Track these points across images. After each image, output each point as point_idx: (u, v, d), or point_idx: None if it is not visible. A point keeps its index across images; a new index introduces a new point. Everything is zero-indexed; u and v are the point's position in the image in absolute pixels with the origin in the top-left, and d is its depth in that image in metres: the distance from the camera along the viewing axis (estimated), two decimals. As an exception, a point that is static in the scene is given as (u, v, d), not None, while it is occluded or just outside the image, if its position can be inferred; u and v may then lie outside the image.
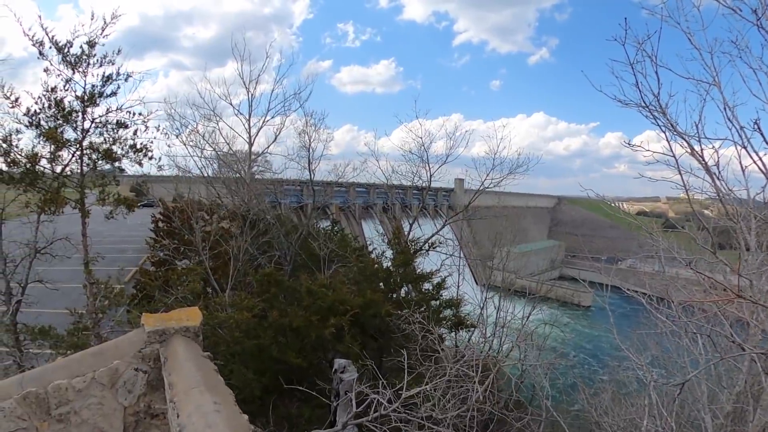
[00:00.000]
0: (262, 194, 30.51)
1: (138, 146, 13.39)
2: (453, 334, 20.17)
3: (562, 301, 64.91)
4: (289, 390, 12.78)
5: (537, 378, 15.91)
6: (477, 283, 34.39)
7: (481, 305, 21.37)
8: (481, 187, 29.25)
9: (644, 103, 7.56)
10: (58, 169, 12.84)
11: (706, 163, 7.69)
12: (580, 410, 13.76)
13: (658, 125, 7.83)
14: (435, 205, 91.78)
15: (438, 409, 10.15)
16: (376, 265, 21.69)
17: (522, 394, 17.46)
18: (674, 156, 7.71)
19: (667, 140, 7.73)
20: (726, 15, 7.74)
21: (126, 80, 13.16)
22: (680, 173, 7.54)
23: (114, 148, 13.15)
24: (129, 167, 13.85)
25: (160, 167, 15.13)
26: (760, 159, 6.91)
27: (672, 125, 7.77)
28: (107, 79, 12.97)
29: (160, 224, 23.12)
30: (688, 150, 7.71)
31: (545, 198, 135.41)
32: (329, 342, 15.06)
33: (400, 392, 9.63)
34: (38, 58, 12.23)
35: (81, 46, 12.57)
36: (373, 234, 38.49)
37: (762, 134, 6.25)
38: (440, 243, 26.16)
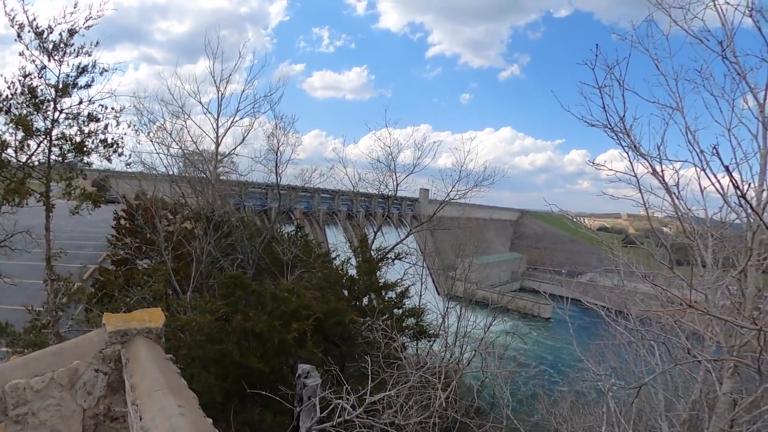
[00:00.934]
0: (227, 196, 30.13)
1: (109, 141, 13.13)
2: (415, 342, 20.23)
3: (523, 313, 65.82)
4: (251, 395, 12.64)
5: (498, 387, 16.06)
6: (439, 293, 34.58)
7: (443, 315, 21.44)
8: (447, 198, 29.36)
9: (609, 124, 7.77)
10: (24, 158, 12.50)
11: (666, 183, 7.95)
12: (540, 420, 13.93)
13: (622, 146, 8.05)
14: (399, 214, 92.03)
15: (401, 415, 10.17)
16: (341, 272, 21.65)
17: (483, 401, 17.60)
18: (635, 175, 7.91)
19: (629, 160, 7.94)
20: (693, 44, 8.10)
21: (101, 74, 12.92)
22: (641, 192, 7.77)
23: (85, 141, 12.88)
24: (97, 162, 13.57)
25: (128, 164, 14.83)
26: (718, 181, 7.16)
27: (635, 146, 8.00)
28: (82, 71, 12.71)
29: (123, 222, 22.60)
30: (650, 170, 7.95)
31: (509, 211, 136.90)
32: (292, 347, 14.93)
33: (363, 398, 9.61)
34: (15, 40, 11.94)
35: (60, 34, 12.32)
36: (336, 240, 38.40)
37: (720, 158, 6.41)
38: (406, 254, 26.19)
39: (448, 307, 21.85)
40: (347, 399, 9.48)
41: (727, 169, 6.18)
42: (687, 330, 8.90)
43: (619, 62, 7.70)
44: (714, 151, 6.71)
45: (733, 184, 5.86)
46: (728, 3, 7.66)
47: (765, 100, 7.39)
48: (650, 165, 7.94)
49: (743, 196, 5.85)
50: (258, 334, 14.64)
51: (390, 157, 29.46)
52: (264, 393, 11.18)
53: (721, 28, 7.80)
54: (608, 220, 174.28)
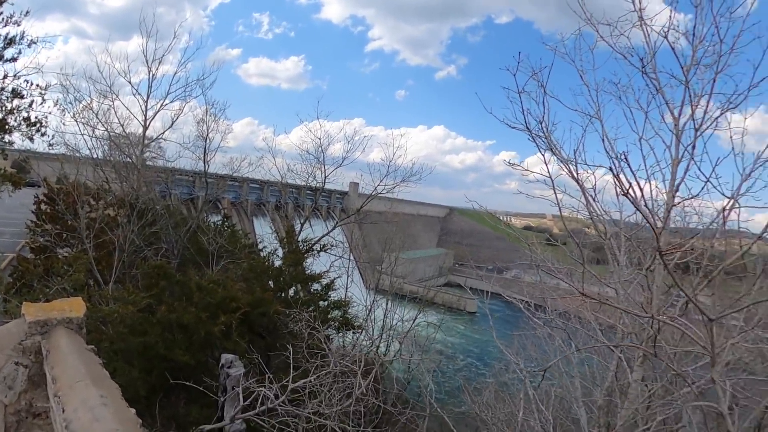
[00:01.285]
0: (153, 182, 29.33)
1: (33, 119, 12.47)
2: (341, 334, 20.39)
3: (449, 307, 66.82)
4: (176, 389, 12.49)
5: (422, 377, 16.43)
6: (367, 287, 34.75)
7: (369, 307, 21.68)
8: (374, 192, 29.74)
9: (528, 127, 8.06)
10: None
11: (582, 186, 8.39)
12: (468, 409, 14.29)
13: (539, 148, 8.45)
14: (328, 207, 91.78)
15: (324, 403, 10.29)
16: (267, 263, 21.57)
17: (411, 393, 17.95)
18: (550, 176, 8.26)
19: (545, 162, 8.29)
20: (618, 59, 8.65)
21: (29, 46, 12.27)
22: (555, 193, 8.09)
23: (8, 118, 12.18)
24: (18, 141, 12.87)
25: (50, 144, 14.18)
26: (630, 186, 7.64)
27: (552, 148, 8.38)
28: (9, 42, 12.03)
29: (43, 207, 21.65)
30: (568, 173, 8.32)
31: (437, 208, 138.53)
32: (218, 339, 14.83)
33: (286, 386, 9.69)
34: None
35: (-13, 1, 11.46)
36: (264, 231, 37.95)
37: (629, 164, 6.97)
38: (331, 245, 26.27)
39: (374, 300, 22.13)
40: (270, 388, 9.54)
41: (633, 174, 6.74)
42: (604, 323, 9.52)
43: (542, 69, 8.05)
44: (623, 157, 7.43)
45: (620, 186, 6.38)
46: (649, 25, 8.28)
47: (679, 114, 8.03)
48: (568, 168, 8.30)
49: (625, 193, 6.40)
50: (183, 326, 14.47)
51: (320, 149, 29.53)
52: (190, 385, 11.06)
53: (644, 47, 8.42)
54: (534, 219, 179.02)
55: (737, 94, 7.54)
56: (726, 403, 5.71)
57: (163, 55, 28.28)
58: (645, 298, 8.25)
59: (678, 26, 8.20)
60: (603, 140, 8.39)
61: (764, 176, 7.07)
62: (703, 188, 7.29)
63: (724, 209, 7.26)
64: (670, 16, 8.28)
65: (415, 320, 21.76)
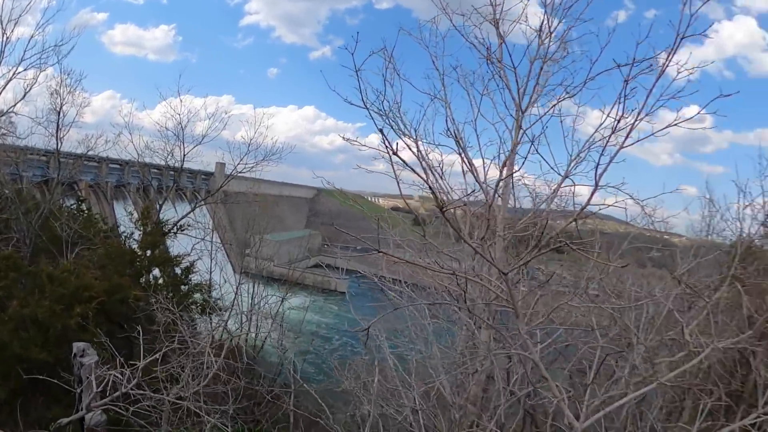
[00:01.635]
0: (2, 163, 26.90)
1: None
2: (208, 318, 20.15)
3: (320, 288, 67.19)
4: (38, 389, 11.92)
5: (292, 358, 16.71)
6: (235, 270, 34.35)
7: (236, 290, 21.57)
8: (234, 171, 29.13)
9: (366, 104, 8.06)
10: None
11: (429, 165, 9.08)
12: (334, 384, 14.57)
13: (375, 125, 8.73)
14: (194, 189, 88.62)
15: (184, 386, 10.26)
16: (123, 248, 20.81)
17: (284, 375, 18.01)
18: (389, 153, 8.52)
19: (385, 139, 8.63)
20: (470, 48, 9.39)
21: None
22: (393, 169, 8.30)
23: None
24: None
25: None
26: (472, 165, 8.42)
27: (394, 128, 8.68)
28: None
29: None
30: (415, 152, 8.74)
31: (305, 189, 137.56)
32: (74, 332, 14.22)
33: (146, 370, 9.61)
34: None
35: None
36: (122, 216, 36.15)
37: (458, 142, 7.78)
38: (189, 225, 25.53)
39: (240, 283, 22.05)
40: (123, 372, 9.39)
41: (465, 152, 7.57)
42: (455, 292, 10.12)
43: (379, 50, 8.44)
44: (452, 134, 8.36)
45: (466, 163, 7.08)
46: (499, 19, 9.10)
47: (520, 101, 8.91)
48: (417, 147, 8.66)
49: (471, 170, 7.14)
50: (37, 321, 13.77)
51: (180, 126, 27.90)
52: (52, 383, 10.58)
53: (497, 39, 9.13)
54: (401, 200, 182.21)
55: (573, 85, 8.50)
56: (537, 352, 6.44)
57: (21, 16, 24.77)
58: (488, 267, 9.09)
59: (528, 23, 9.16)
60: (446, 121, 8.87)
61: (592, 157, 7.54)
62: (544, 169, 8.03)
63: (558, 186, 8.33)
64: (523, 10, 9.18)
65: (282, 302, 21.92)
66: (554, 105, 8.74)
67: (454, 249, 10.79)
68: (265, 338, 20.21)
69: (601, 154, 6.13)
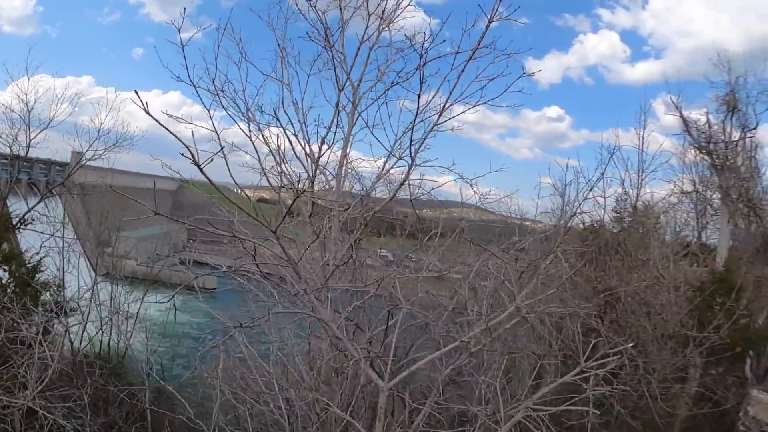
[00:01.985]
0: None
1: None
2: (61, 318, 18.34)
3: (187, 286, 65.08)
4: None
5: (150, 357, 15.98)
6: (93, 270, 31.87)
7: (91, 291, 19.81)
8: (83, 159, 26.54)
9: (192, 82, 8.32)
10: None
11: (271, 148, 9.33)
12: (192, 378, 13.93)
13: (203, 104, 8.80)
14: (47, 181, 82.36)
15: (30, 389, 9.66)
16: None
17: (151, 379, 16.97)
18: (216, 131, 8.40)
19: (211, 120, 8.56)
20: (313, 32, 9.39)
21: None
22: (222, 149, 7.94)
23: None
24: None
25: None
26: (310, 147, 9.08)
27: (223, 104, 9.00)
28: None
29: None
30: (248, 134, 9.08)
31: (168, 180, 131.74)
32: None
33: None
34: None
35: None
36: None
37: (300, 125, 8.94)
38: (33, 220, 23.07)
39: (96, 283, 20.36)
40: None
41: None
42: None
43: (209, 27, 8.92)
44: (300, 121, 8.96)
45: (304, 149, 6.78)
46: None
47: (358, 85, 9.11)
48: (258, 127, 8.99)
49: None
50: None
51: (26, 108, 23.62)
52: None
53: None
54: (269, 191, 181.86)
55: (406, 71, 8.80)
56: (328, 313, 7.26)
57: None
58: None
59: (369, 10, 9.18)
60: (282, 103, 9.36)
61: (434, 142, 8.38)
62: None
63: (384, 166, 8.96)
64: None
65: (141, 302, 20.58)
66: (387, 90, 8.92)
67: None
68: (130, 340, 18.80)
69: (416, 135, 7.55)
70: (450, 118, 7.79)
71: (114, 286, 20.83)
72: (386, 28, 9.02)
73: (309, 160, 9.34)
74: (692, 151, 22.31)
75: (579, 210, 11.13)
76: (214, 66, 8.71)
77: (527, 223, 15.51)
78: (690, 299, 11.60)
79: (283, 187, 9.35)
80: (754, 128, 20.96)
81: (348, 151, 9.20)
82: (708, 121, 21.24)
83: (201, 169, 6.23)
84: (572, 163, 12.71)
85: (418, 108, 7.61)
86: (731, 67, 20.96)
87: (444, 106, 7.21)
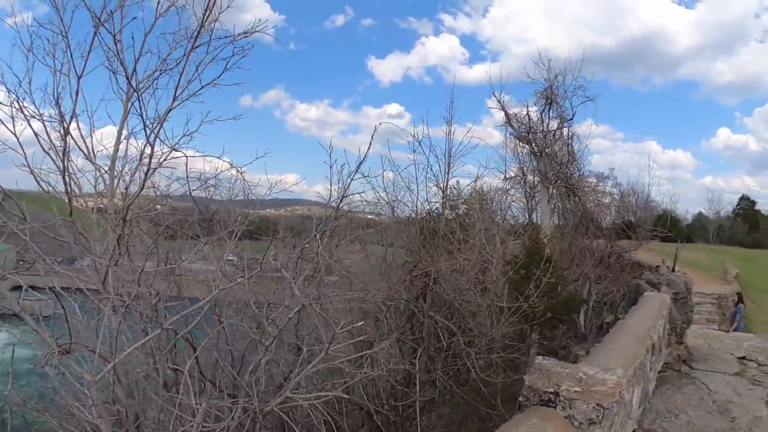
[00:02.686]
0: None
1: None
2: None
3: (20, 317, 59.50)
4: None
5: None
6: None
7: None
8: None
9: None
10: None
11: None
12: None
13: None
14: None
15: None
16: None
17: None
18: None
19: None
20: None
21: None
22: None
23: None
24: None
25: None
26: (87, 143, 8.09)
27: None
28: None
29: None
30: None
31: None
32: None
33: None
34: None
35: None
36: None
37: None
38: None
39: None
40: None
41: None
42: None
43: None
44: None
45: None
46: None
47: (134, 72, 7.88)
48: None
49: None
50: None
51: None
52: None
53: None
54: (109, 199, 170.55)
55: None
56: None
57: None
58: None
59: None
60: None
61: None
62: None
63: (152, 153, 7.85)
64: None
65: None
66: (156, 78, 8.05)
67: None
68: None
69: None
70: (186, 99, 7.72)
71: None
72: (162, 15, 8.33)
73: (83, 155, 8.35)
74: (514, 140, 24.39)
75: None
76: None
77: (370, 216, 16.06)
78: (505, 273, 12.59)
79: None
80: (571, 119, 23.26)
81: (120, 145, 8.25)
82: (528, 113, 23.20)
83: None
84: (411, 157, 13.32)
85: (176, 92, 7.56)
86: (550, 66, 23.10)
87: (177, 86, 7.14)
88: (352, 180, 7.72)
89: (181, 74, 7.59)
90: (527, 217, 25.36)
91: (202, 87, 7.81)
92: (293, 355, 8.09)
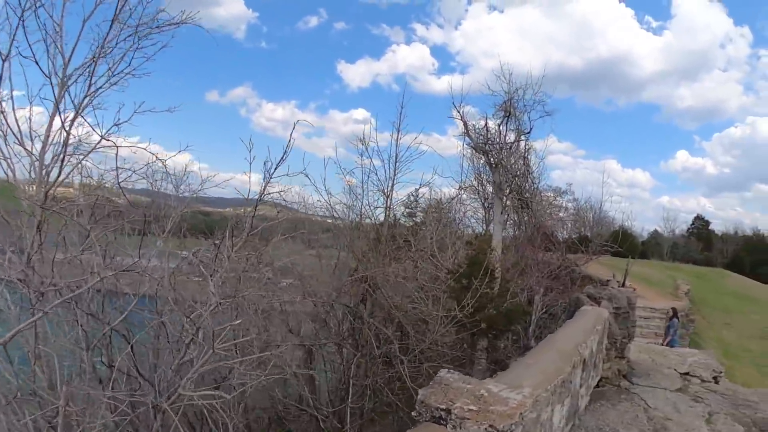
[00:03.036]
0: None
1: None
2: None
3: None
4: None
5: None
6: None
7: None
8: None
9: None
10: None
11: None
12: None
13: None
14: None
15: None
16: None
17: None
18: None
19: None
20: None
21: None
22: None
23: None
24: None
25: None
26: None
27: None
28: None
29: None
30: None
31: None
32: None
33: None
34: None
35: None
36: None
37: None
38: None
39: None
40: None
41: None
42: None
43: None
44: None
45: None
46: None
47: (66, 66, 7.77)
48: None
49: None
50: None
51: None
52: None
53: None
54: (60, 189, 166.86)
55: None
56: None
57: None
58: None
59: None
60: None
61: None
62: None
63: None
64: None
65: None
66: (95, 66, 7.87)
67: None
68: None
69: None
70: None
71: None
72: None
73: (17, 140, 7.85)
74: (471, 151, 24.61)
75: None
76: None
77: (326, 220, 16.07)
78: (445, 282, 12.61)
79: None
80: (529, 132, 23.49)
81: (53, 131, 8.00)
82: (486, 125, 23.37)
83: None
84: (377, 162, 13.30)
85: (90, 79, 7.55)
86: (511, 80, 23.27)
87: (92, 68, 7.19)
88: (271, 177, 7.49)
89: (95, 58, 7.58)
90: (485, 227, 25.62)
91: (124, 75, 7.91)
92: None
